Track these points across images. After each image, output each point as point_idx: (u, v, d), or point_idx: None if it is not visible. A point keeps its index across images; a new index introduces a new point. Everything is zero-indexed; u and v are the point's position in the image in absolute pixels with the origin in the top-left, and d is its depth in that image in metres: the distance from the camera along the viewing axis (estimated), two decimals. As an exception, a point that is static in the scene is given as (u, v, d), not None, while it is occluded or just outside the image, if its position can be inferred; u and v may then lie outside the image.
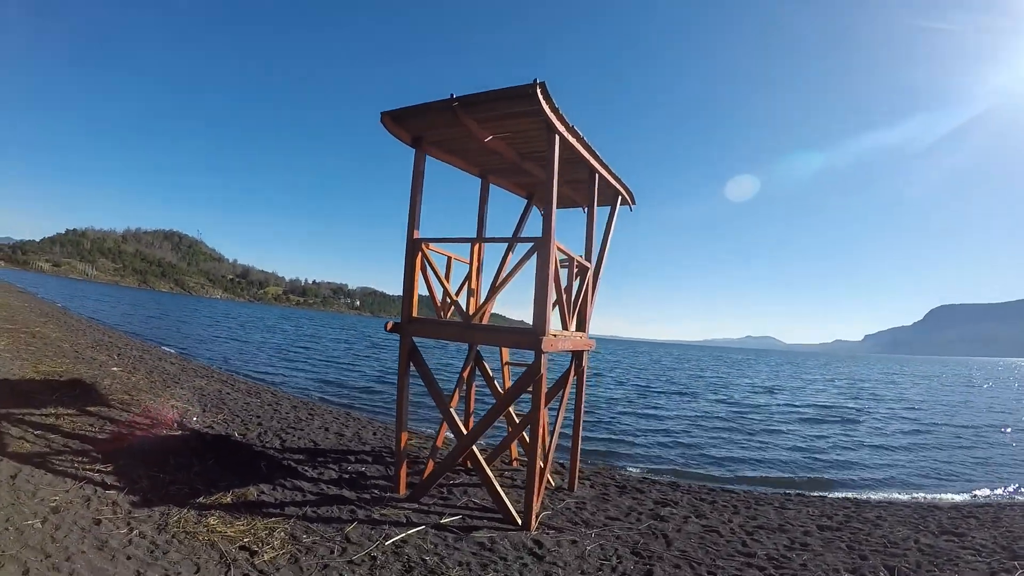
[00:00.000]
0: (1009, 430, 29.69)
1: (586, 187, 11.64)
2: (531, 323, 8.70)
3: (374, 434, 15.20)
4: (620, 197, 12.44)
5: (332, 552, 7.19)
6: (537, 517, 9.27)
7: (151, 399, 15.16)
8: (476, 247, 10.65)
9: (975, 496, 15.93)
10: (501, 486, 9.54)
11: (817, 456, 20.13)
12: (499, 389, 12.00)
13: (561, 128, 8.82)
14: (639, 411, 28.42)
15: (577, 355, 10.95)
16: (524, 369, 9.58)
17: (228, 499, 8.65)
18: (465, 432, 9.82)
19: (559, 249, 9.50)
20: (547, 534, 8.81)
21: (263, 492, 9.23)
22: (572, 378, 10.99)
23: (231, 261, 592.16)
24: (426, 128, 10.01)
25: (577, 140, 9.48)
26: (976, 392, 61.62)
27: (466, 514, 9.29)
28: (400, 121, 9.88)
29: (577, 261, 10.60)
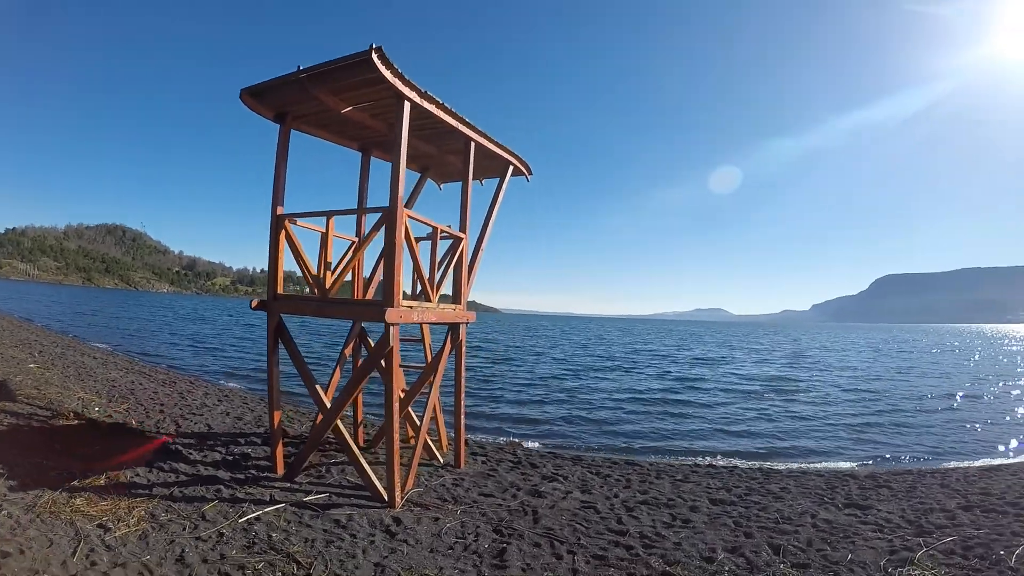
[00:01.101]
0: (959, 395, 29.97)
1: (484, 160, 11.51)
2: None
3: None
4: (512, 168, 12.13)
5: (184, 529, 7.14)
6: (405, 494, 9.09)
7: (59, 392, 14.96)
8: (330, 220, 10.22)
9: (899, 463, 15.82)
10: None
11: (745, 427, 20.07)
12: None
13: (411, 94, 8.43)
14: (569, 387, 28.27)
15: (453, 328, 10.57)
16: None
17: (101, 481, 8.51)
18: (328, 408, 9.53)
19: (416, 218, 9.20)
20: (411, 512, 8.59)
21: (138, 475, 9.06)
22: (449, 351, 10.59)
23: (176, 253, 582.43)
24: (287, 103, 9.57)
25: (437, 107, 9.09)
26: (919, 358, 62.64)
27: (336, 492, 9.15)
28: (260, 97, 9.45)
29: (441, 230, 10.25)
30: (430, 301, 9.82)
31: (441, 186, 13.94)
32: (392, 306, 8.27)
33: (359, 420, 12.38)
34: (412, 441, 11.87)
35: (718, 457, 15.55)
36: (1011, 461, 16.19)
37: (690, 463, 14.52)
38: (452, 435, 12.11)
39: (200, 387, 19.88)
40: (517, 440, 15.84)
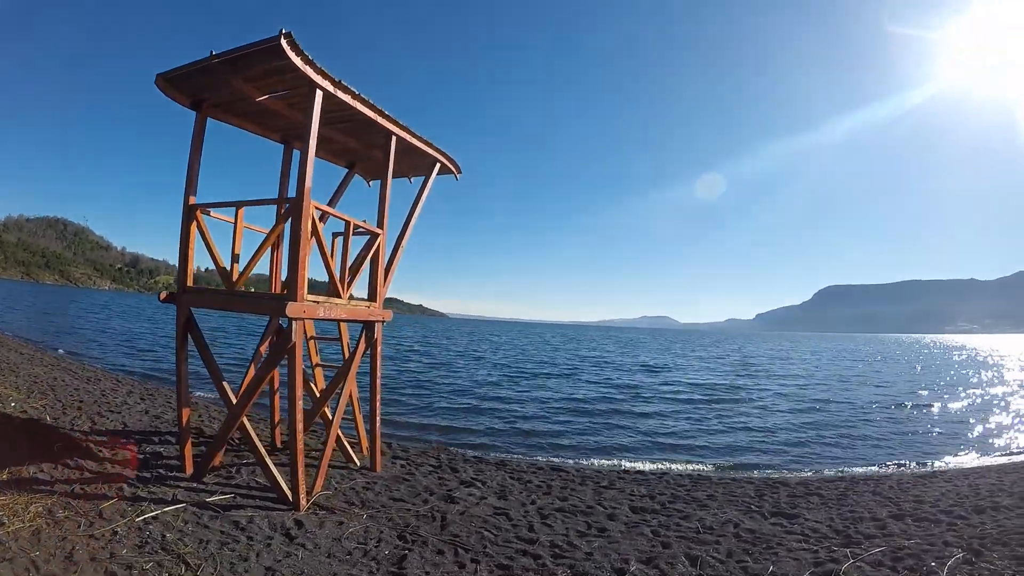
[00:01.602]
0: (899, 404, 30.23)
1: (409, 156, 11.31)
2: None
3: (199, 416, 14.78)
4: (439, 165, 11.87)
5: (79, 526, 6.89)
6: (312, 497, 8.85)
7: (-25, 387, 14.40)
8: (240, 211, 9.83)
9: (833, 471, 15.77)
10: (306, 465, 9.12)
11: (681, 433, 20.01)
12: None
13: (323, 83, 8.13)
14: (505, 393, 28.02)
15: (368, 327, 10.23)
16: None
17: (3, 476, 8.19)
18: (235, 405, 9.18)
19: (324, 210, 8.92)
20: (315, 515, 8.33)
21: (42, 470, 8.74)
22: (364, 351, 10.26)
23: (119, 249, 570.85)
24: (202, 89, 9.20)
25: (353, 97, 8.77)
26: (861, 366, 63.50)
27: (243, 493, 8.90)
28: (175, 83, 9.05)
29: (355, 225, 9.94)
30: (340, 297, 9.48)
31: (370, 183, 13.64)
32: (295, 300, 7.95)
33: (276, 420, 12.02)
34: (344, 443, 11.59)
35: (649, 463, 15.39)
36: (946, 468, 16.31)
37: (619, 469, 14.34)
38: (387, 438, 11.83)
39: (125, 385, 19.32)
40: (444, 444, 15.60)
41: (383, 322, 10.49)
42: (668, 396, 30.10)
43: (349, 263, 10.09)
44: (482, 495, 10.41)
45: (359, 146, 11.68)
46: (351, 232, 9.91)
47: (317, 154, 11.80)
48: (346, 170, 12.88)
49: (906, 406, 29.40)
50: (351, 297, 9.81)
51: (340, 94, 8.54)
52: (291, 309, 7.84)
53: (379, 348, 10.63)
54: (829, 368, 58.44)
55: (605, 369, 45.59)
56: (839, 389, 36.93)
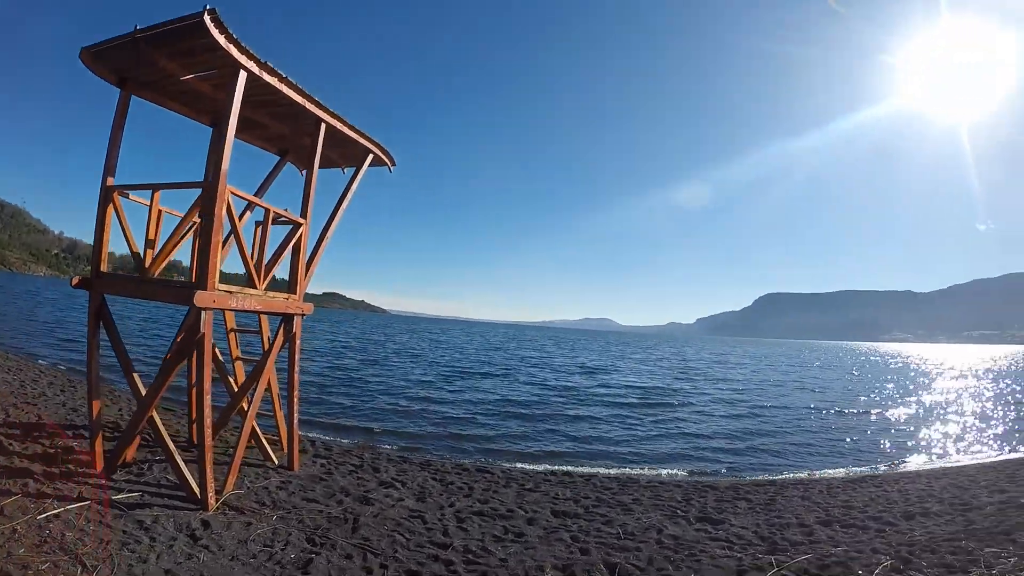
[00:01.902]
0: (834, 409, 30.71)
1: (342, 146, 11.10)
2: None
3: (119, 410, 14.37)
4: (371, 156, 11.59)
5: None
6: (220, 496, 8.47)
7: None
8: (156, 194, 9.40)
9: (764, 475, 15.78)
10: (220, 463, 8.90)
11: (615, 435, 19.95)
12: (218, 356, 11.13)
13: (248, 63, 7.79)
14: (439, 391, 27.75)
15: (287, 320, 9.88)
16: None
17: None
18: (143, 397, 8.74)
19: (241, 196, 8.54)
20: (224, 515, 7.99)
21: None
22: (282, 345, 9.91)
23: (57, 234, 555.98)
24: (126, 66, 8.74)
25: (280, 80, 8.45)
26: (798, 372, 64.50)
27: (152, 491, 8.51)
28: (99, 58, 8.59)
29: (275, 213, 9.59)
30: (256, 288, 9.10)
31: (303, 171, 13.24)
32: (204, 288, 7.58)
33: (194, 415, 11.59)
34: (262, 441, 11.19)
35: (578, 466, 15.22)
36: (877, 473, 16.36)
37: (545, 471, 14.19)
38: (311, 435, 11.44)
39: (47, 376, 18.67)
40: (369, 444, 15.31)
41: (302, 315, 10.14)
42: (604, 398, 30.02)
43: (269, 253, 9.74)
44: (400, 497, 10.14)
45: (291, 133, 11.32)
46: (270, 220, 9.55)
47: (248, 140, 11.54)
48: (278, 158, 12.47)
49: (841, 412, 29.81)
50: (268, 289, 9.45)
51: (266, 76, 8.21)
52: (199, 298, 7.46)
53: (298, 343, 10.27)
54: (767, 373, 59.21)
55: (543, 370, 45.39)
56: (775, 394, 37.32)
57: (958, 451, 20.42)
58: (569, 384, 35.82)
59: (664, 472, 15.36)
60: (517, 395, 28.80)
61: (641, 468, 15.54)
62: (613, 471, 14.80)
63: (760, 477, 15.37)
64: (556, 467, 14.66)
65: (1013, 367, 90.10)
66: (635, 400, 30.15)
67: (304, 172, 12.98)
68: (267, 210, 9.42)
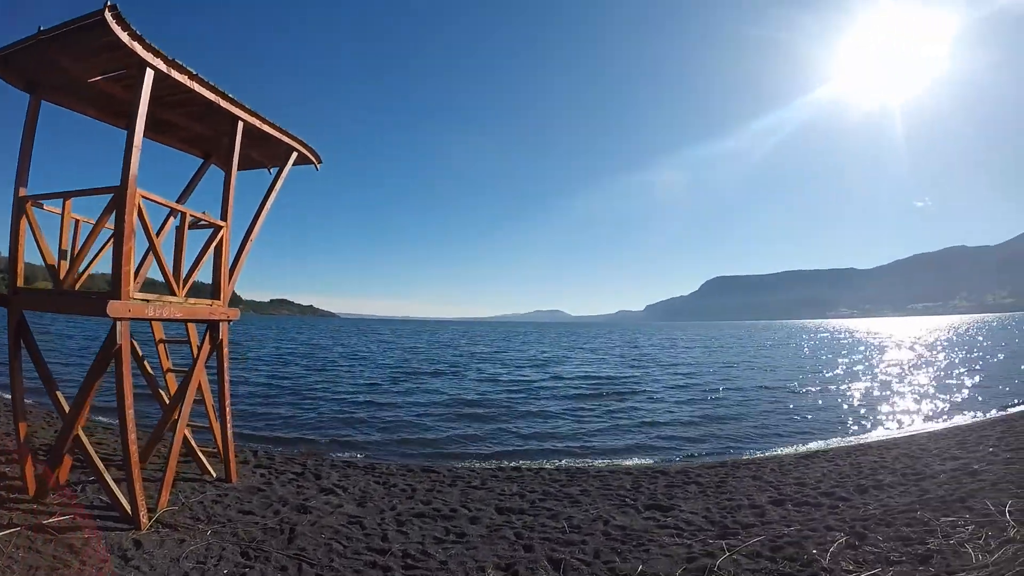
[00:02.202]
0: (785, 386, 31.18)
1: (265, 145, 10.88)
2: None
3: (54, 432, 13.66)
4: (296, 155, 11.30)
5: None
6: (153, 513, 8.19)
7: None
8: (67, 202, 9.02)
9: (715, 456, 15.73)
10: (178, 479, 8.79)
11: (566, 427, 19.78)
12: (148, 370, 10.79)
13: (155, 61, 7.49)
14: (387, 393, 27.37)
15: (212, 327, 9.56)
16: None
17: None
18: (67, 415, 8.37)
19: (152, 199, 8.19)
20: (157, 533, 7.72)
21: None
22: (208, 352, 9.58)
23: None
24: (34, 70, 8.36)
25: (191, 78, 8.16)
26: (748, 351, 65.37)
27: (85, 513, 8.16)
28: (7, 63, 8.20)
29: (191, 216, 9.26)
30: (175, 295, 8.75)
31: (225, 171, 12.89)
32: (118, 298, 7.24)
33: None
34: (198, 454, 10.83)
35: (528, 460, 15.04)
36: (828, 447, 16.42)
37: (494, 467, 13.97)
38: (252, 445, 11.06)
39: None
40: (315, 451, 14.96)
41: (229, 321, 9.81)
42: (555, 391, 29.77)
43: (193, 259, 9.42)
44: (339, 503, 9.87)
45: (212, 134, 10.98)
46: (187, 225, 9.23)
47: (169, 143, 11.29)
48: (202, 161, 12.08)
49: (792, 389, 29.96)
50: (189, 295, 9.11)
51: (175, 74, 7.92)
52: (112, 308, 7.13)
53: (225, 350, 9.96)
54: (717, 355, 59.66)
55: (494, 365, 45.11)
56: (727, 376, 37.45)
57: (909, 421, 20.65)
58: (520, 378, 35.51)
59: (614, 462, 15.16)
60: (466, 393, 28.38)
61: (591, 459, 15.34)
62: (564, 463, 14.63)
63: (711, 459, 15.30)
64: (504, 463, 14.43)
65: (956, 337, 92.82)
66: (587, 391, 29.89)
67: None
68: (183, 214, 9.10)
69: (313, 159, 11.86)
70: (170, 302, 8.52)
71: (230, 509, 9.00)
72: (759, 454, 15.82)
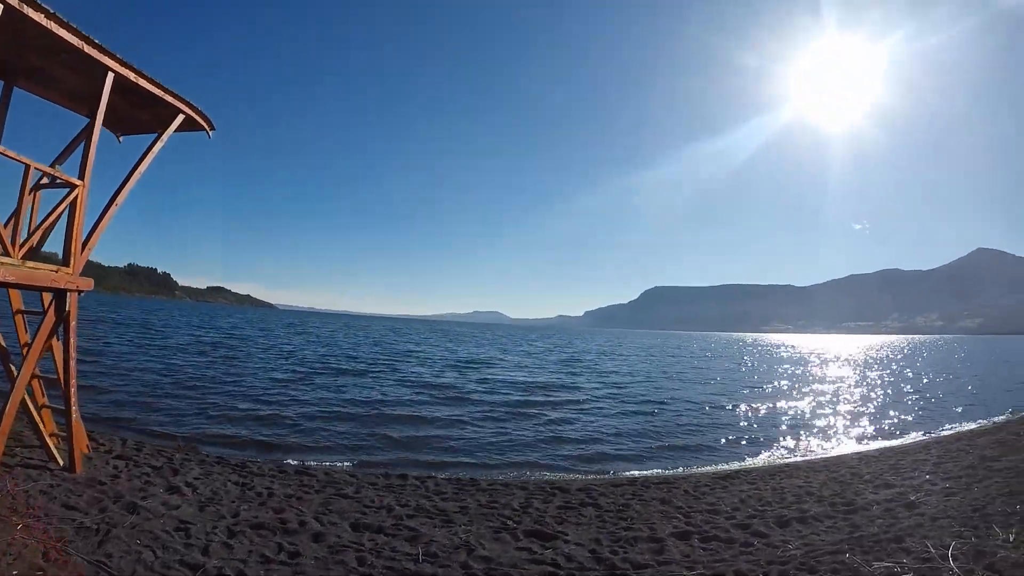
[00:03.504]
0: (716, 400, 30.59)
1: (149, 106, 10.05)
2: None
3: None
4: (182, 117, 10.42)
5: None
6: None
7: None
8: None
9: (626, 472, 14.96)
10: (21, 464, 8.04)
11: (476, 434, 18.87)
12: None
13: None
14: (298, 391, 25.84)
15: (59, 296, 8.54)
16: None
17: None
18: None
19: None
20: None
21: None
22: (52, 325, 8.57)
23: None
24: None
25: (47, 17, 7.22)
26: (685, 362, 65.01)
27: None
28: None
29: (36, 169, 8.27)
30: (10, 256, 7.71)
31: (120, 137, 11.82)
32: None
33: None
34: (46, 439, 9.75)
35: (419, 469, 14.10)
36: (751, 466, 15.78)
37: (379, 474, 12.93)
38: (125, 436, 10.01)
39: None
40: (191, 445, 13.91)
41: (79, 292, 8.77)
42: (477, 395, 28.38)
43: (36, 219, 8.43)
44: (178, 504, 8.84)
45: (93, 90, 9.85)
46: (29, 179, 8.20)
47: (50, 97, 10.31)
48: (87, 120, 10.91)
49: (718, 404, 29.36)
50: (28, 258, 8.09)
51: (28, 11, 6.94)
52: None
53: (73, 323, 8.94)
54: (652, 364, 59.48)
55: (422, 365, 43.53)
56: (659, 386, 36.98)
57: (839, 440, 20.26)
58: (444, 381, 33.60)
59: (515, 474, 14.35)
60: (380, 394, 26.90)
61: (491, 471, 14.49)
62: (459, 474, 13.68)
63: (622, 475, 14.58)
64: (391, 471, 13.37)
65: (887, 356, 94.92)
66: (512, 396, 28.73)
67: (121, 138, 11.68)
68: (27, 166, 8.06)
69: (204, 124, 11.03)
70: (5, 264, 7.45)
71: (55, 502, 8.02)
72: (676, 471, 15.12)
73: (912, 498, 10.59)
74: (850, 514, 10.00)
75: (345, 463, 14.13)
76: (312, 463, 13.74)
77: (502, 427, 20.64)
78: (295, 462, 13.59)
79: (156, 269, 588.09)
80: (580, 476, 14.56)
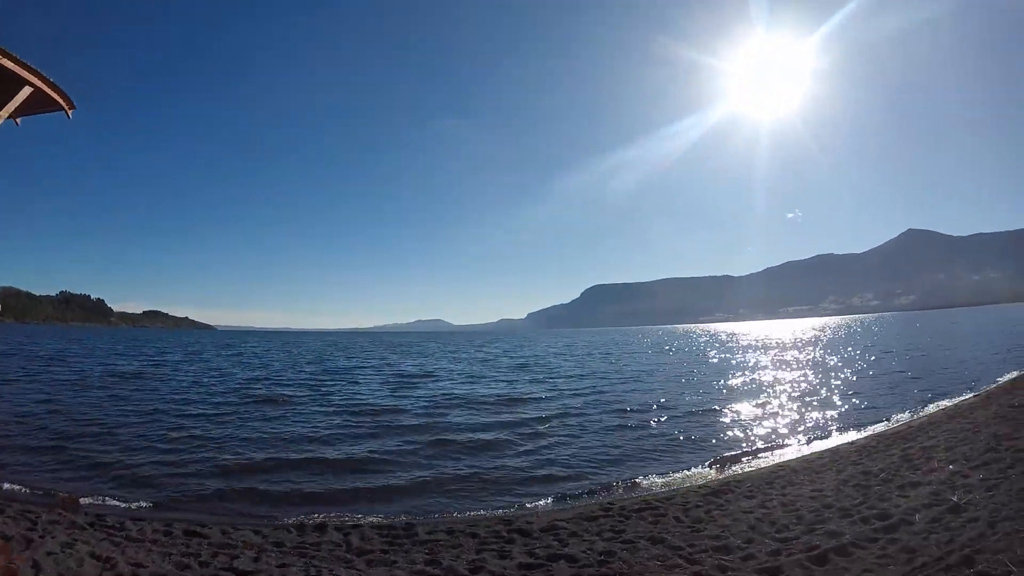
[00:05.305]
0: (655, 403, 27.97)
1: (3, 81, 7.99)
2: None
3: None
4: (30, 91, 8.36)
5: None
6: None
7: None
8: None
9: (546, 503, 12.89)
10: None
11: (392, 459, 17.03)
12: None
13: None
14: (211, 425, 22.67)
15: None
16: None
17: None
18: None
19: None
20: None
21: None
22: None
23: None
24: None
25: None
26: (625, 360, 63.45)
27: None
28: None
29: None
30: None
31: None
32: None
33: None
34: None
35: (342, 511, 12.17)
36: (741, 472, 14.48)
37: (294, 525, 10.87)
38: None
39: None
40: (73, 499, 11.90)
41: None
42: (410, 416, 25.53)
43: None
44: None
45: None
46: None
47: None
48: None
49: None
50: None
51: None
52: None
53: None
54: (607, 362, 58.88)
55: (356, 384, 39.92)
56: (618, 387, 35.60)
57: (820, 430, 19.67)
58: (384, 404, 29.69)
59: (460, 512, 12.34)
60: (304, 423, 23.60)
61: (431, 512, 12.39)
62: (394, 518, 11.59)
63: (593, 502, 12.55)
64: (307, 520, 11.32)
65: (822, 337, 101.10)
66: (465, 416, 25.52)
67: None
68: None
69: (61, 101, 9.09)
70: None
71: None
72: (655, 490, 13.46)
73: (954, 499, 8.92)
74: (892, 532, 8.07)
75: (251, 518, 11.77)
76: (210, 520, 11.36)
77: (446, 451, 18.28)
78: (190, 517, 11.43)
79: (90, 296, 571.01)
80: (542, 504, 12.64)
